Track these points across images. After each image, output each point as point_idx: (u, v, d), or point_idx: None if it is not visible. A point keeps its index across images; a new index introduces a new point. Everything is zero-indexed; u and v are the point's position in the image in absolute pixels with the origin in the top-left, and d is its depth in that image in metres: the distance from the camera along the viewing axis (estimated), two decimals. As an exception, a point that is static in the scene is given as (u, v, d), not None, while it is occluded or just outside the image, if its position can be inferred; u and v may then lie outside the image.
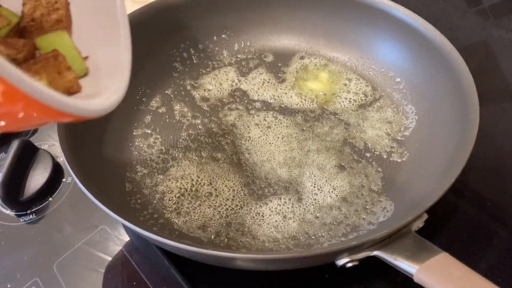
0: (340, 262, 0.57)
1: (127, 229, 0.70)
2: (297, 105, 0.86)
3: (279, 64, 0.93)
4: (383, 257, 0.56)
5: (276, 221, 0.69)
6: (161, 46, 0.91)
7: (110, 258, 0.67)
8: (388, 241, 0.57)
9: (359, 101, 0.86)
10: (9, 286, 0.65)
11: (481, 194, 0.78)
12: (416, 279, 0.52)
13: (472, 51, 1.09)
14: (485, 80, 0.98)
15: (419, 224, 0.60)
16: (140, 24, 0.87)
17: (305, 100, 0.86)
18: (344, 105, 0.86)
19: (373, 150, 0.78)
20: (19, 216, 0.73)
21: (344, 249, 0.55)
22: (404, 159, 0.76)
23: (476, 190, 0.78)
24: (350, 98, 0.86)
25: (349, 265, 0.57)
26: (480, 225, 0.72)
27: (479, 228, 0.72)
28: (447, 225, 0.71)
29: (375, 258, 0.57)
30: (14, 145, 0.74)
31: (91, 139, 0.73)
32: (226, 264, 0.60)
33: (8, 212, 0.73)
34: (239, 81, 0.90)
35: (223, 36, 0.95)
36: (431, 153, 0.73)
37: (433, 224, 0.68)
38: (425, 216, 0.60)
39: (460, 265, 0.52)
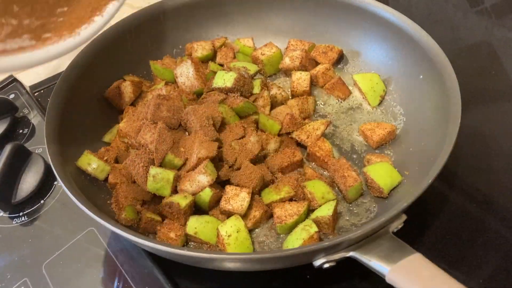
0: (317, 262, 0.57)
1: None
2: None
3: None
4: (358, 258, 0.56)
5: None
6: (154, 50, 0.93)
7: (96, 259, 0.68)
8: (365, 241, 0.58)
9: (348, 103, 0.86)
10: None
11: (468, 193, 0.77)
12: (388, 280, 0.53)
13: (474, 51, 1.08)
14: (488, 80, 0.98)
15: (398, 225, 0.60)
16: (134, 29, 0.90)
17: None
18: (333, 107, 0.86)
19: (359, 152, 0.79)
20: (12, 218, 0.75)
21: (318, 249, 0.55)
22: (391, 161, 0.76)
23: (464, 190, 0.77)
24: (340, 100, 0.87)
25: (326, 265, 0.57)
26: (465, 225, 0.72)
27: (464, 228, 0.71)
28: (433, 224, 0.71)
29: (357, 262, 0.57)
30: (7, 149, 0.76)
31: (80, 143, 0.75)
32: (206, 265, 0.61)
33: (1, 214, 0.75)
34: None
35: (215, 38, 0.97)
36: (416, 155, 0.73)
37: (420, 223, 0.69)
38: (404, 217, 0.60)
39: (430, 265, 0.52)
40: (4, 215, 0.75)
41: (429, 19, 1.18)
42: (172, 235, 0.66)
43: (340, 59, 0.93)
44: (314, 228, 0.64)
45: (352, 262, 0.58)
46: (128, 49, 0.90)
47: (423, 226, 0.72)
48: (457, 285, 0.49)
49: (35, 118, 0.90)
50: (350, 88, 0.88)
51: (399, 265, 0.53)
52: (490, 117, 0.91)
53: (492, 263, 0.67)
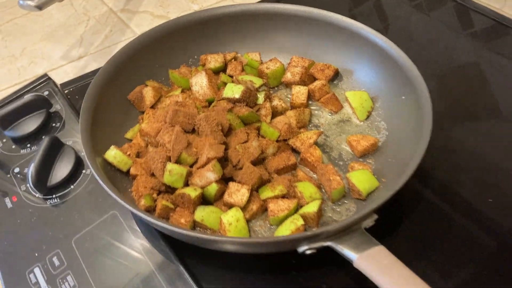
0: (300, 249, 0.70)
1: (133, 215, 0.84)
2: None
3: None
4: (333, 247, 0.69)
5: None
6: (172, 59, 1.06)
7: (117, 238, 0.81)
8: (341, 234, 0.70)
9: (339, 116, 0.99)
10: (36, 254, 0.80)
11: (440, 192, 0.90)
12: (355, 265, 0.66)
13: (464, 70, 1.20)
14: (475, 98, 1.10)
15: (370, 223, 0.72)
16: (155, 41, 1.03)
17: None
18: (326, 119, 0.99)
19: (345, 159, 0.91)
20: (46, 199, 0.88)
21: (302, 238, 0.68)
22: (371, 169, 0.88)
23: (436, 199, 0.90)
24: (332, 113, 0.99)
25: (308, 252, 0.69)
26: (434, 221, 0.84)
27: (431, 230, 0.84)
28: (407, 220, 0.84)
29: (333, 250, 0.69)
30: (45, 141, 0.89)
31: (106, 138, 0.88)
32: (209, 245, 0.74)
33: (38, 195, 0.89)
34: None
35: (226, 52, 1.09)
36: (393, 165, 0.86)
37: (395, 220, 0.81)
38: (375, 216, 0.72)
39: (390, 255, 0.65)
40: (40, 196, 0.88)
41: (426, 39, 1.30)
42: (182, 220, 0.79)
43: (336, 76, 1.05)
44: (300, 221, 0.76)
45: (330, 253, 0.70)
46: (150, 58, 1.03)
47: (398, 222, 0.84)
48: (409, 273, 0.61)
49: (66, 113, 1.03)
50: (342, 103, 1.00)
51: (365, 254, 0.65)
52: (476, 134, 1.01)
53: (454, 254, 0.79)
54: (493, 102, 1.09)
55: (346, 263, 0.68)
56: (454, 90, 1.12)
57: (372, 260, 0.64)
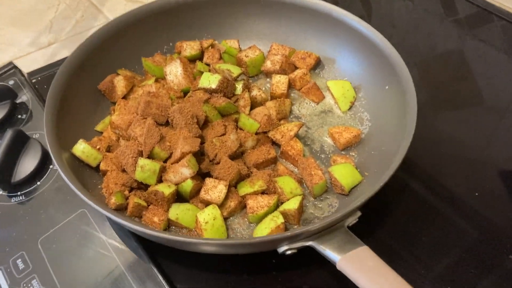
0: (281, 249, 0.66)
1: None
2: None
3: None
4: (315, 247, 0.65)
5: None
6: (146, 47, 1.01)
7: (87, 238, 0.77)
8: (323, 233, 0.67)
9: (321, 107, 0.95)
10: (-2, 257, 0.75)
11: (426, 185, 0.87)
12: (338, 267, 0.62)
13: (447, 57, 1.17)
14: (458, 86, 1.08)
15: (353, 220, 0.69)
16: (128, 26, 0.98)
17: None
18: (308, 110, 0.95)
19: (327, 152, 0.88)
20: (10, 197, 0.83)
21: (281, 238, 0.64)
22: (354, 162, 0.85)
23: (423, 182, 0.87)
24: (314, 103, 0.95)
25: (288, 252, 0.66)
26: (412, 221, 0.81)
27: (415, 223, 0.81)
28: (388, 217, 0.81)
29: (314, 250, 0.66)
30: (8, 134, 0.84)
31: (74, 131, 0.83)
32: (184, 247, 0.70)
33: (1, 193, 0.83)
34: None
35: (203, 39, 1.04)
36: (376, 158, 0.82)
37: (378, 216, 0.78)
38: (358, 214, 0.69)
39: (375, 257, 0.61)
40: (3, 193, 0.83)
41: (408, 26, 1.27)
42: (155, 219, 0.74)
43: (317, 65, 1.01)
44: (280, 219, 0.73)
45: (311, 251, 0.67)
46: (122, 45, 0.97)
47: (383, 215, 0.81)
48: (394, 275, 0.58)
49: (33, 104, 0.97)
50: (324, 92, 0.96)
51: (348, 255, 0.62)
52: (459, 121, 1.00)
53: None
54: (476, 90, 1.06)
55: (328, 262, 0.65)
56: (437, 78, 1.10)
57: (356, 262, 0.61)
